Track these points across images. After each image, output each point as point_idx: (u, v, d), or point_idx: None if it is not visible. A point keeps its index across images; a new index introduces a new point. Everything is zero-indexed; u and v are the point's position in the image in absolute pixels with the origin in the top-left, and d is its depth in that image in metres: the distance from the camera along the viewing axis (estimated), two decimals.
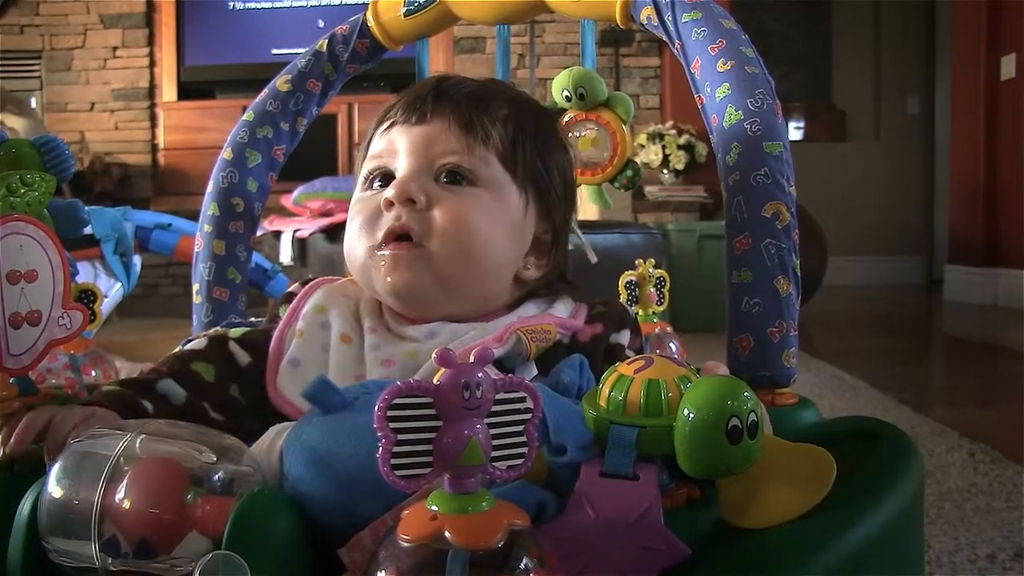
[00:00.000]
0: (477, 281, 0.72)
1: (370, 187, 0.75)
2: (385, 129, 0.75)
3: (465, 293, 0.72)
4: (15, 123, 3.53)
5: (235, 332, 0.74)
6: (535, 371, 0.68)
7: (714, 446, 0.47)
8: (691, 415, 0.47)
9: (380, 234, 0.71)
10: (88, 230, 1.85)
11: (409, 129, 0.73)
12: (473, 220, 0.70)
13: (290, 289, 0.78)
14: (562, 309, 0.74)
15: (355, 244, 0.73)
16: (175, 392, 0.68)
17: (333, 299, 0.74)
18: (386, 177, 0.74)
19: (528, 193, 0.74)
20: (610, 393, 0.51)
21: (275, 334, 0.72)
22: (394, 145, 0.73)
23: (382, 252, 0.71)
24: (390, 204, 0.70)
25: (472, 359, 0.41)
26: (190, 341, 0.79)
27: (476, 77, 0.79)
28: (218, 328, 0.81)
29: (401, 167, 0.72)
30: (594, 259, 0.94)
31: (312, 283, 0.77)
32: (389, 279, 0.70)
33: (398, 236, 0.70)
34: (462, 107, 0.73)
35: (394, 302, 0.72)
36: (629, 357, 0.71)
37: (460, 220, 0.70)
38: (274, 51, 4.48)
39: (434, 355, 0.40)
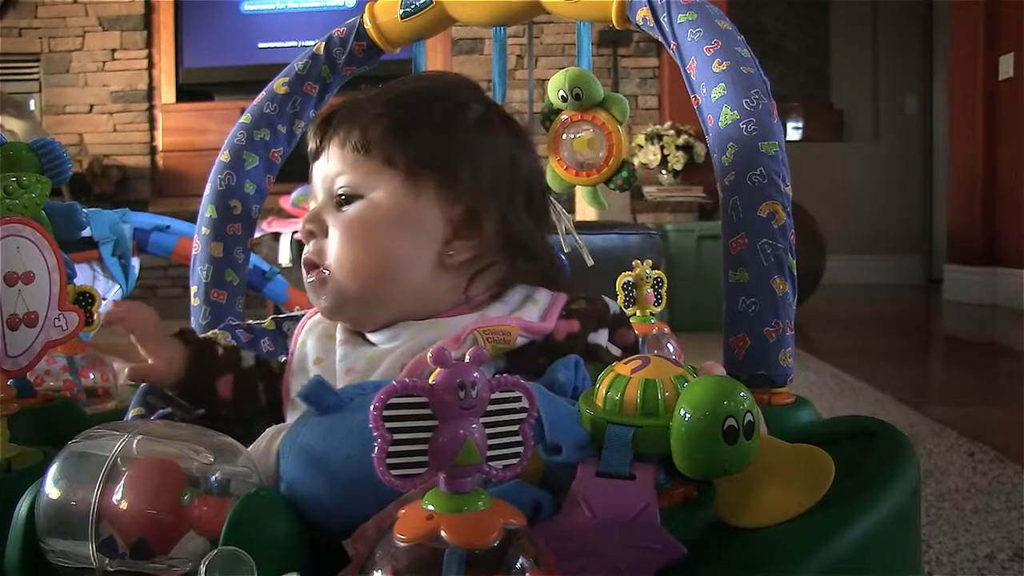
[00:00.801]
0: (382, 286, 0.72)
1: None
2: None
3: (382, 300, 0.72)
4: (14, 125, 3.52)
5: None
6: (493, 371, 0.68)
7: (710, 446, 0.47)
8: (687, 415, 0.47)
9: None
10: (86, 232, 1.85)
11: (315, 166, 0.77)
12: (352, 234, 0.72)
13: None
14: (533, 311, 0.72)
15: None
16: (248, 358, 0.75)
17: (310, 331, 0.77)
18: None
19: (419, 179, 0.73)
20: (607, 393, 0.51)
21: (283, 381, 0.75)
22: (312, 182, 0.78)
23: (306, 280, 0.76)
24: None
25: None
26: None
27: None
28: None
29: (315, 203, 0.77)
30: (590, 262, 0.94)
31: (302, 322, 0.79)
32: (318, 303, 0.75)
33: (308, 266, 0.75)
34: (339, 128, 0.75)
35: (329, 319, 0.76)
36: (611, 356, 0.71)
37: (341, 239, 0.73)
38: (271, 52, 4.49)
39: (429, 355, 0.40)
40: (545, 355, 0.67)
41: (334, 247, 0.73)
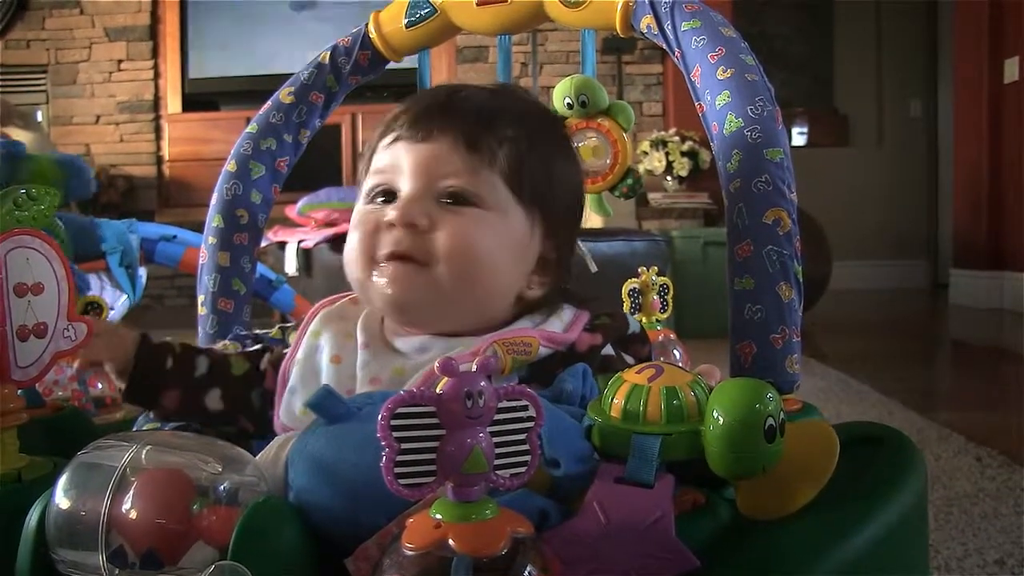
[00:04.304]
0: (478, 303, 0.71)
1: (372, 202, 0.73)
2: (390, 143, 0.73)
3: (466, 313, 0.71)
4: (21, 136, 3.53)
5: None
6: (515, 380, 0.67)
7: (754, 447, 0.48)
8: (725, 418, 0.48)
9: (381, 253, 0.70)
10: None
11: (414, 146, 0.71)
12: (477, 242, 0.69)
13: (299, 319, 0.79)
14: (556, 324, 0.72)
15: (354, 258, 0.72)
16: (202, 365, 0.75)
17: (327, 323, 0.75)
18: (388, 194, 0.72)
19: (534, 214, 0.72)
20: (626, 404, 0.51)
21: (281, 367, 0.74)
22: (399, 162, 0.71)
23: (383, 266, 0.70)
24: (391, 225, 0.69)
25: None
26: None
27: (484, 84, 0.77)
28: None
29: (404, 187, 0.71)
30: (594, 268, 0.94)
31: (313, 310, 0.77)
32: (389, 292, 0.69)
33: (400, 258, 0.69)
34: (468, 125, 0.70)
35: (391, 314, 0.72)
36: (624, 364, 0.71)
37: (465, 243, 0.68)
38: (277, 61, 4.51)
39: (436, 364, 0.40)
40: (566, 366, 0.66)
41: (451, 246, 0.68)
